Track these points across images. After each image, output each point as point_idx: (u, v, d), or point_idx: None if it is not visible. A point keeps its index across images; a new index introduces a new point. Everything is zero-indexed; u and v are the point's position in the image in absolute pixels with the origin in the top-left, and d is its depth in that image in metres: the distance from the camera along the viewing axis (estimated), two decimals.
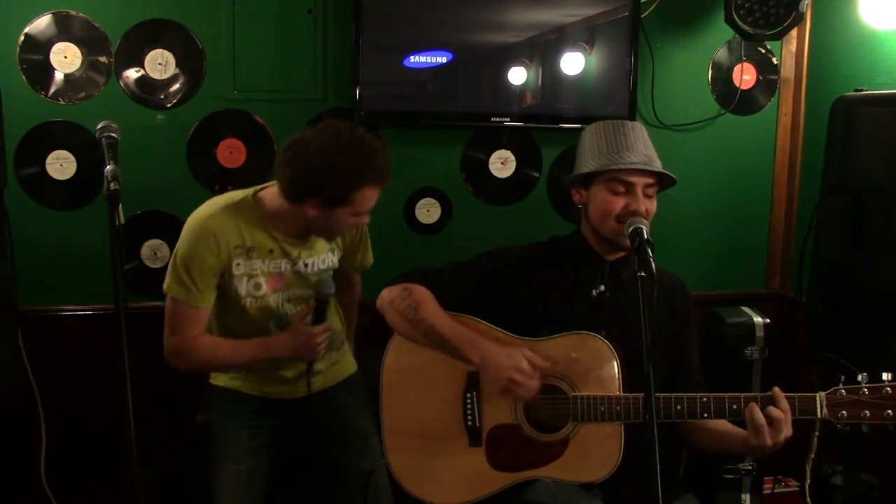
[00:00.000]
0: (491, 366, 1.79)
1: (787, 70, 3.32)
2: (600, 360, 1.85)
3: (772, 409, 1.72)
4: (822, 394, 1.75)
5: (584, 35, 3.07)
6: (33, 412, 2.82)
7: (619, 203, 1.86)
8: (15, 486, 2.91)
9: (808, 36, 3.24)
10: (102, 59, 2.84)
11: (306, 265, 2.20)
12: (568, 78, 3.08)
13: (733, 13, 2.82)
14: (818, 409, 1.74)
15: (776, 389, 1.75)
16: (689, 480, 2.96)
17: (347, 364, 2.45)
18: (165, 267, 2.15)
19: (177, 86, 2.91)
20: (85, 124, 2.82)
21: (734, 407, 1.77)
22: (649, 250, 1.67)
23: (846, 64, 3.01)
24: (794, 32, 3.18)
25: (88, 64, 2.83)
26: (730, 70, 3.27)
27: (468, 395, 1.91)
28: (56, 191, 2.86)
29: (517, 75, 3.05)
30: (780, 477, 3.04)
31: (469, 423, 1.91)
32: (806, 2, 2.82)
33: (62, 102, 2.83)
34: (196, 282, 2.06)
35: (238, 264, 2.11)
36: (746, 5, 2.82)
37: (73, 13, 2.80)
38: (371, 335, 2.28)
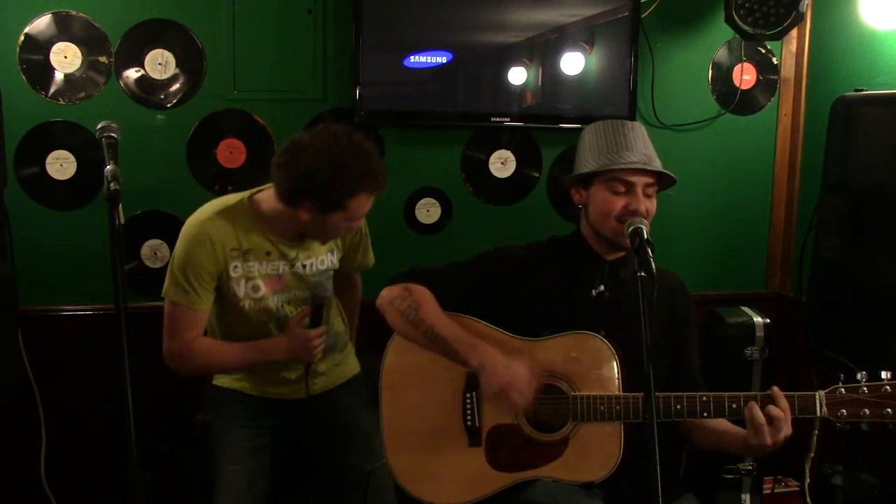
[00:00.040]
0: (489, 371, 1.80)
1: (787, 70, 3.32)
2: (600, 360, 1.85)
3: (771, 408, 1.72)
4: (822, 392, 1.75)
5: (584, 35, 3.07)
6: (33, 412, 2.82)
7: (619, 203, 1.86)
8: (15, 486, 2.91)
9: (808, 36, 3.24)
10: (102, 59, 2.84)
11: (305, 266, 2.20)
12: (568, 78, 3.08)
13: (733, 13, 2.82)
14: (818, 408, 1.74)
15: (775, 388, 1.75)
16: (689, 480, 2.96)
17: (351, 365, 2.46)
18: (165, 267, 2.17)
19: (177, 86, 2.91)
20: (85, 124, 2.82)
21: (734, 406, 1.77)
22: (649, 250, 1.67)
23: (846, 64, 3.01)
24: (794, 32, 3.18)
25: (88, 64, 2.83)
26: (730, 70, 3.27)
27: (468, 394, 1.91)
28: (56, 191, 2.86)
29: (517, 75, 3.05)
30: (780, 477, 3.04)
31: (469, 422, 1.91)
32: (806, 2, 2.82)
33: (62, 102, 2.83)
34: (193, 285, 2.08)
35: (235, 267, 2.12)
36: (746, 5, 2.82)
37: (73, 13, 2.80)
38: (371, 335, 2.28)
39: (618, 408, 1.81)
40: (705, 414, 1.79)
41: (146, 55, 2.86)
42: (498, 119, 3.06)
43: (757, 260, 3.43)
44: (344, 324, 2.47)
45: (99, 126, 1.83)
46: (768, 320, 2.87)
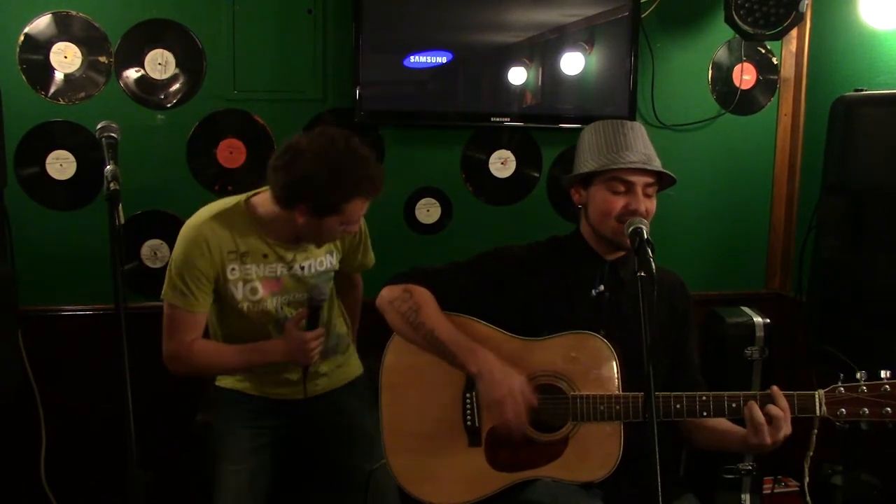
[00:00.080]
0: (486, 380, 1.80)
1: (787, 70, 3.32)
2: (599, 360, 1.85)
3: (771, 408, 1.72)
4: (821, 392, 1.75)
5: (584, 35, 3.07)
6: (33, 412, 2.82)
7: (619, 203, 1.86)
8: (15, 486, 2.91)
9: (808, 36, 3.24)
10: (102, 59, 2.84)
11: (303, 268, 2.21)
12: (568, 78, 3.08)
13: (733, 13, 2.82)
14: (817, 408, 1.74)
15: (774, 388, 1.75)
16: (689, 480, 2.96)
17: (353, 367, 2.47)
18: (165, 267, 2.18)
19: (177, 86, 2.91)
20: (85, 124, 2.82)
21: (733, 405, 1.77)
22: (649, 250, 1.67)
23: (846, 64, 3.01)
24: (794, 32, 3.18)
25: (88, 64, 2.83)
26: (730, 70, 3.27)
27: (467, 395, 1.91)
28: (56, 191, 2.86)
29: (517, 75, 3.05)
30: (780, 477, 3.04)
31: (468, 422, 1.91)
32: (806, 2, 2.82)
33: (62, 102, 2.83)
34: (191, 288, 2.10)
35: (233, 269, 2.14)
36: (746, 5, 2.82)
37: (73, 13, 2.80)
38: (371, 335, 2.28)
39: (617, 408, 1.81)
40: (705, 413, 1.79)
41: (146, 55, 2.86)
42: (498, 119, 3.06)
43: (757, 260, 3.43)
44: (346, 326, 2.48)
45: (99, 126, 1.83)
46: (768, 320, 2.87)
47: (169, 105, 2.91)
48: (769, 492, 2.99)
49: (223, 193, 2.93)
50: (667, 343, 1.97)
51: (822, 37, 3.17)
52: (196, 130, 2.94)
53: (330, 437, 2.31)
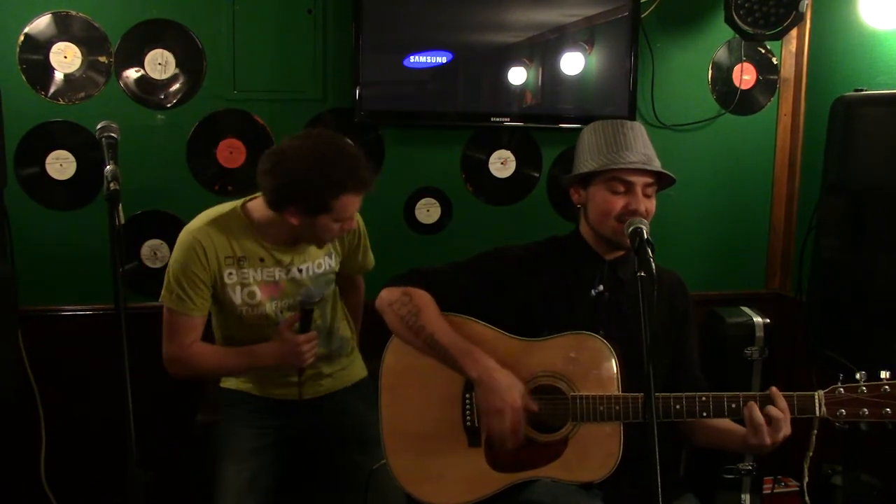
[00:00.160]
0: (485, 387, 1.81)
1: (787, 70, 3.32)
2: (599, 360, 1.85)
3: (770, 409, 1.72)
4: (821, 392, 1.75)
5: (584, 35, 3.07)
6: (33, 412, 2.82)
7: (618, 203, 1.86)
8: (15, 486, 2.91)
9: (808, 36, 3.24)
10: (102, 59, 2.84)
11: (301, 271, 2.22)
12: (568, 78, 3.08)
13: (733, 13, 2.82)
14: (817, 408, 1.74)
15: (774, 389, 1.75)
16: (689, 480, 2.96)
17: (357, 369, 2.48)
18: (165, 267, 2.20)
19: (177, 86, 2.91)
20: (85, 124, 2.82)
21: (733, 406, 1.77)
22: (649, 250, 1.67)
23: (846, 64, 3.01)
24: (794, 32, 3.18)
25: (88, 64, 2.83)
26: (730, 70, 3.27)
27: (467, 395, 1.91)
28: (56, 191, 2.86)
29: (517, 75, 3.05)
30: (779, 477, 3.04)
31: (468, 423, 1.91)
32: (806, 2, 2.82)
33: (62, 102, 2.83)
34: (188, 292, 2.12)
35: (230, 274, 2.16)
36: (746, 5, 2.82)
37: (73, 13, 2.80)
38: (371, 336, 2.28)
39: (617, 408, 1.81)
40: (704, 414, 1.78)
41: (146, 55, 2.86)
42: (498, 119, 3.06)
43: (757, 260, 3.43)
44: (350, 329, 2.49)
45: (99, 126, 1.83)
46: (768, 320, 2.86)
47: (169, 105, 2.91)
48: (769, 492, 2.99)
49: (223, 193, 2.94)
50: (667, 343, 1.97)
51: (822, 37, 3.17)
52: (196, 130, 2.94)
53: (333, 438, 2.31)
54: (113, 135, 1.81)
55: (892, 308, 2.20)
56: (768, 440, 1.71)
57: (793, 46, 3.30)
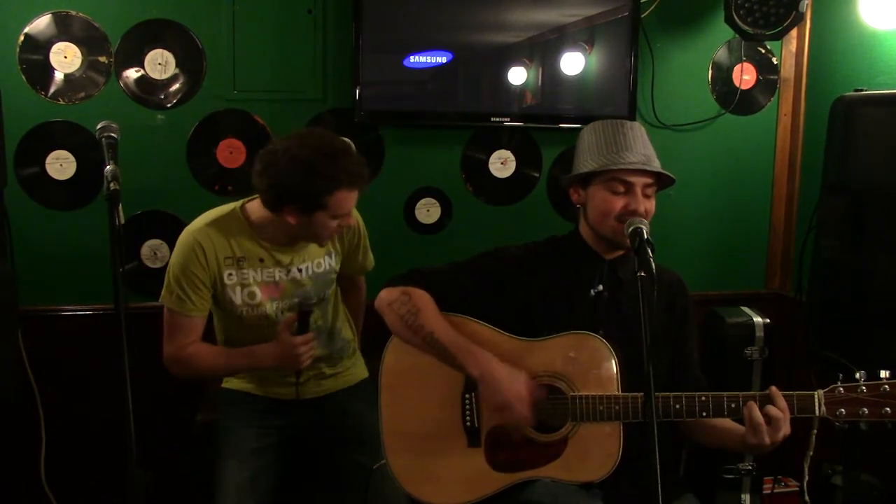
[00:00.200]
0: (488, 383, 1.81)
1: (787, 70, 3.32)
2: (599, 360, 1.85)
3: (770, 408, 1.72)
4: (821, 392, 1.74)
5: (584, 35, 3.07)
6: (33, 412, 2.82)
7: (618, 203, 1.86)
8: (15, 486, 2.91)
9: (808, 36, 3.24)
10: (102, 59, 2.84)
11: (301, 270, 2.23)
12: (568, 78, 3.08)
13: (733, 13, 2.82)
14: (816, 408, 1.74)
15: (773, 388, 1.75)
16: (689, 480, 2.96)
17: (359, 370, 2.49)
18: (165, 267, 2.21)
19: (177, 86, 2.91)
20: (85, 124, 2.82)
21: (732, 406, 1.76)
22: (649, 250, 1.67)
23: (846, 64, 3.01)
24: (794, 32, 3.18)
25: (88, 64, 2.83)
26: (730, 70, 3.27)
27: (467, 395, 1.91)
28: (56, 191, 2.86)
29: (517, 75, 3.05)
30: (779, 477, 3.04)
31: (468, 423, 1.91)
32: (806, 2, 2.82)
33: (62, 102, 2.83)
34: (187, 292, 2.13)
35: (230, 274, 2.17)
36: (746, 5, 2.82)
37: (73, 13, 2.80)
38: (371, 336, 2.28)
39: (617, 408, 1.81)
40: (704, 414, 1.78)
41: (146, 55, 2.86)
42: (498, 119, 3.06)
43: (757, 260, 3.43)
44: (352, 331, 2.50)
45: (99, 126, 1.83)
46: (768, 320, 2.86)
47: (169, 105, 2.91)
48: (769, 492, 2.99)
49: (223, 193, 2.94)
50: (667, 342, 1.97)
51: (822, 37, 3.17)
52: (196, 130, 2.94)
53: (334, 438, 2.31)
54: (113, 135, 1.81)
55: (892, 308, 2.20)
56: (768, 440, 1.71)
57: (793, 46, 3.30)
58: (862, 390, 1.72)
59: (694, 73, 3.26)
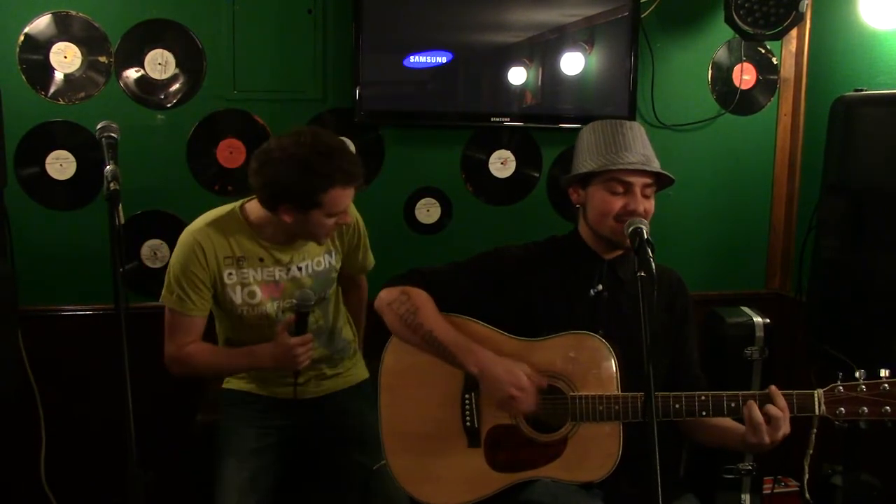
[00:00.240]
0: (490, 378, 1.82)
1: (787, 70, 3.32)
2: (598, 360, 1.85)
3: (770, 408, 1.72)
4: (820, 391, 1.75)
5: (584, 35, 3.07)
6: (33, 412, 2.82)
7: (617, 203, 1.86)
8: (15, 486, 2.91)
9: (808, 36, 3.23)
10: (102, 59, 2.84)
11: (300, 269, 2.23)
12: (568, 78, 3.08)
13: (733, 13, 2.82)
14: (816, 407, 1.74)
15: (773, 388, 1.75)
16: (689, 480, 2.96)
17: (360, 371, 2.49)
18: (165, 266, 2.21)
19: (177, 86, 2.91)
20: (85, 124, 2.82)
21: (732, 405, 1.77)
22: (649, 250, 1.67)
23: (846, 64, 3.01)
24: (794, 32, 3.18)
25: (88, 64, 2.83)
26: (730, 70, 3.27)
27: (466, 395, 1.91)
28: (56, 191, 2.86)
29: (517, 75, 3.05)
30: (780, 477, 3.04)
31: (468, 423, 1.91)
32: (806, 2, 2.82)
33: (62, 102, 2.83)
34: (187, 292, 2.14)
35: (230, 274, 2.17)
36: (746, 5, 2.82)
37: (73, 13, 2.80)
38: (371, 336, 2.28)
39: (616, 407, 1.81)
40: (704, 413, 1.78)
41: (146, 55, 2.86)
42: (498, 119, 3.06)
43: (757, 260, 3.43)
44: (353, 333, 2.50)
45: (99, 126, 1.83)
46: (768, 320, 2.86)
47: (169, 105, 2.91)
48: (769, 492, 2.99)
49: (223, 193, 2.94)
50: (667, 342, 1.97)
51: (822, 37, 3.17)
52: (196, 130, 2.94)
53: (335, 437, 2.32)
54: (113, 135, 1.81)
55: (892, 308, 2.20)
56: (767, 439, 1.71)
57: (793, 46, 3.29)
58: (862, 389, 1.73)
59: (694, 73, 3.26)
